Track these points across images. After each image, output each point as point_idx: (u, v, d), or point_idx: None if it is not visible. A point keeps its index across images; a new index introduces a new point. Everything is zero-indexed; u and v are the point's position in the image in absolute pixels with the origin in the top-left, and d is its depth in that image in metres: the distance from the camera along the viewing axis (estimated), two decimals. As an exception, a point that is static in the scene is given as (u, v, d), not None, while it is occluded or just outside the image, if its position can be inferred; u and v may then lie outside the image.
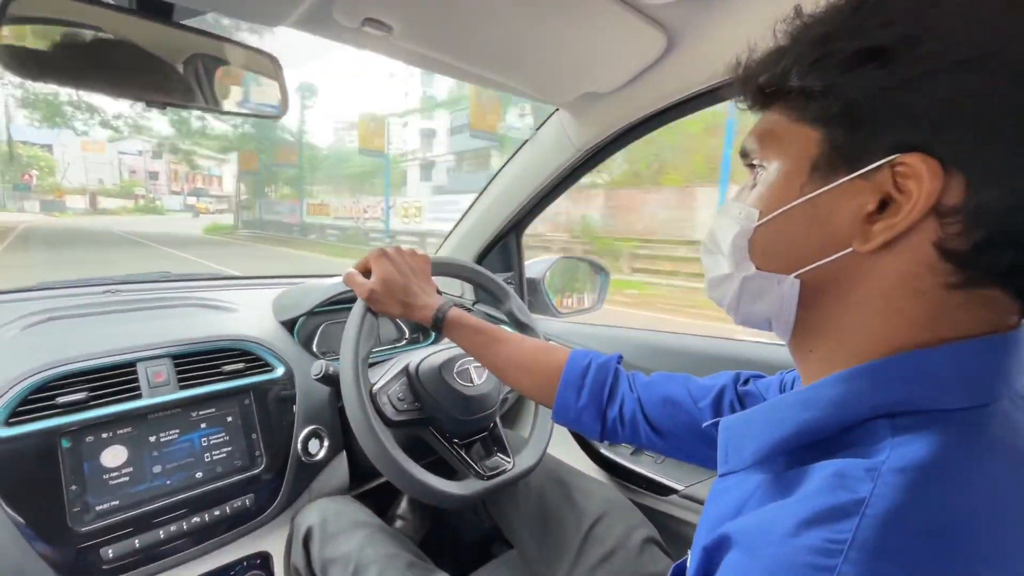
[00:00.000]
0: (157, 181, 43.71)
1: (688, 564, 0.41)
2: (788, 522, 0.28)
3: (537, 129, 1.03)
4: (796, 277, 0.36)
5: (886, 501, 0.26)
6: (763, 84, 0.38)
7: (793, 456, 0.35)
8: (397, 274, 0.73)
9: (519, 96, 0.92)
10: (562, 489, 0.87)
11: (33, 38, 0.48)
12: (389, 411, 0.77)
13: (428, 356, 0.86)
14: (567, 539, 0.81)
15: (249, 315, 1.00)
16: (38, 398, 0.67)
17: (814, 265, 0.35)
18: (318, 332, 1.06)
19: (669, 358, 1.09)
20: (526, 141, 1.07)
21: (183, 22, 0.59)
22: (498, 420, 0.88)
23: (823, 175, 0.34)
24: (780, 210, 0.37)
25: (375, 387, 0.79)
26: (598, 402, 0.66)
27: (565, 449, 1.14)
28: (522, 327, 0.93)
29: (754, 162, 0.41)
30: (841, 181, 0.33)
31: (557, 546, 0.81)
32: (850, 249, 0.33)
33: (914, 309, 0.32)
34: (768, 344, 0.98)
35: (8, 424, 0.64)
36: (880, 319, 0.33)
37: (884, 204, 0.32)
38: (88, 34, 0.53)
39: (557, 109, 0.98)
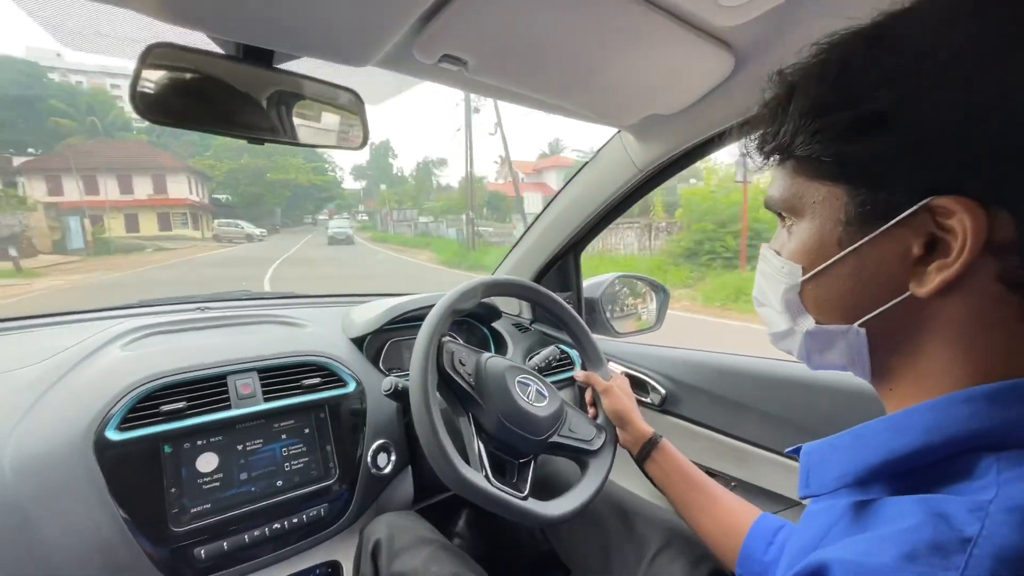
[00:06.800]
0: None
1: None
2: (888, 555, 0.27)
3: (598, 151, 1.05)
4: (860, 326, 0.37)
5: (997, 539, 0.26)
6: (771, 152, 0.40)
7: (882, 485, 0.35)
8: (628, 395, 0.88)
9: (580, 120, 0.93)
10: (623, 516, 0.85)
11: (159, 88, 0.55)
12: (446, 362, 0.77)
13: (500, 357, 0.85)
14: (628, 570, 0.79)
15: (322, 332, 1.06)
16: (144, 407, 0.74)
17: (874, 313, 0.36)
18: (385, 349, 1.11)
19: (730, 380, 1.06)
20: (587, 162, 1.09)
21: (278, 66, 0.66)
22: (533, 464, 0.80)
23: (858, 228, 0.35)
24: (823, 265, 0.37)
25: (445, 338, 0.79)
26: None
27: (626, 474, 1.12)
28: (590, 360, 0.94)
29: (783, 214, 0.42)
30: (878, 232, 0.34)
31: None
32: (908, 293, 0.34)
33: (991, 343, 0.32)
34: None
35: (120, 429, 0.71)
36: (959, 356, 0.33)
37: (933, 246, 0.32)
38: (201, 82, 0.60)
39: (619, 131, 0.98)
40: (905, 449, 0.33)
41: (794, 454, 0.44)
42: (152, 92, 0.53)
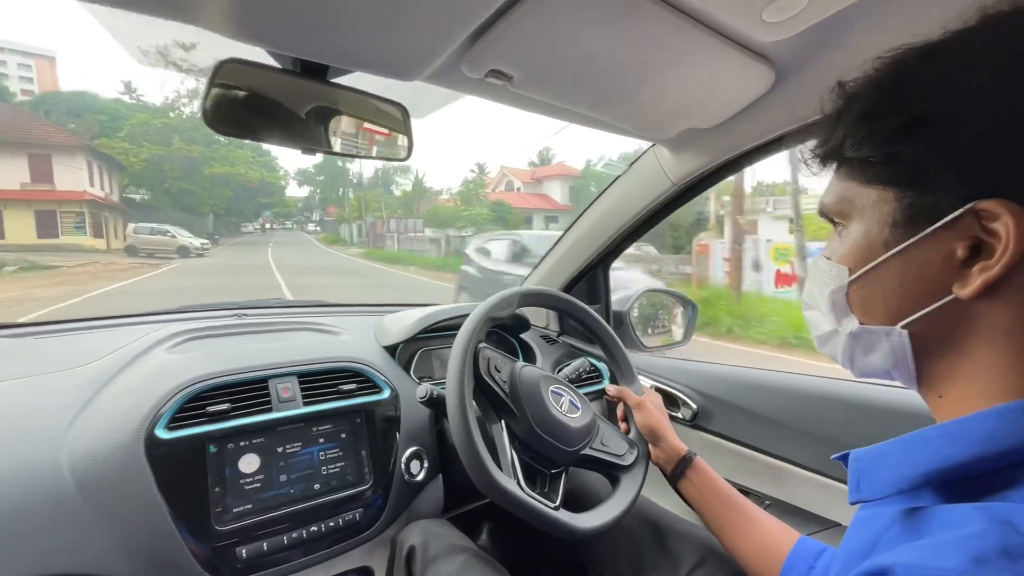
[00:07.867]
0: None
1: None
2: (955, 559, 0.27)
3: (632, 163, 1.06)
4: (903, 328, 0.37)
5: None
6: (823, 156, 0.41)
7: (932, 492, 0.35)
8: (661, 411, 0.88)
9: (616, 133, 0.95)
10: (655, 533, 0.84)
11: (227, 100, 0.58)
12: (483, 368, 0.78)
13: (533, 366, 0.85)
14: None
15: (356, 339, 1.08)
16: (191, 407, 0.77)
17: (918, 315, 0.36)
18: (416, 357, 1.12)
19: (764, 396, 1.04)
20: (620, 175, 1.10)
21: (333, 80, 0.69)
22: (566, 474, 0.80)
23: (905, 230, 0.36)
24: (869, 266, 0.38)
25: (481, 344, 0.80)
26: None
27: (658, 490, 1.11)
28: (622, 374, 0.94)
29: (835, 220, 0.43)
30: (924, 233, 0.35)
31: None
32: (952, 296, 0.34)
33: None
34: (871, 384, 0.91)
35: (169, 428, 0.73)
36: (1008, 361, 0.34)
37: (978, 249, 0.33)
38: (262, 94, 0.63)
39: (653, 144, 0.99)
40: (961, 457, 0.33)
41: (841, 460, 0.44)
42: (220, 104, 0.57)
